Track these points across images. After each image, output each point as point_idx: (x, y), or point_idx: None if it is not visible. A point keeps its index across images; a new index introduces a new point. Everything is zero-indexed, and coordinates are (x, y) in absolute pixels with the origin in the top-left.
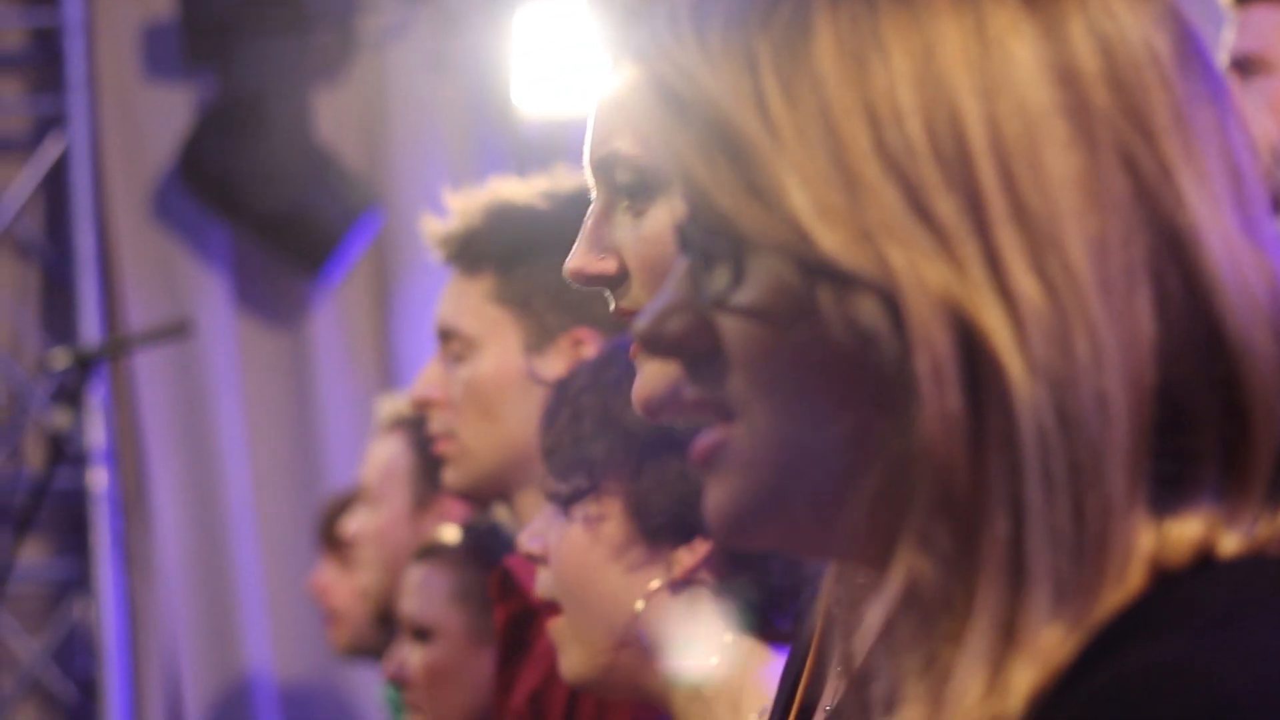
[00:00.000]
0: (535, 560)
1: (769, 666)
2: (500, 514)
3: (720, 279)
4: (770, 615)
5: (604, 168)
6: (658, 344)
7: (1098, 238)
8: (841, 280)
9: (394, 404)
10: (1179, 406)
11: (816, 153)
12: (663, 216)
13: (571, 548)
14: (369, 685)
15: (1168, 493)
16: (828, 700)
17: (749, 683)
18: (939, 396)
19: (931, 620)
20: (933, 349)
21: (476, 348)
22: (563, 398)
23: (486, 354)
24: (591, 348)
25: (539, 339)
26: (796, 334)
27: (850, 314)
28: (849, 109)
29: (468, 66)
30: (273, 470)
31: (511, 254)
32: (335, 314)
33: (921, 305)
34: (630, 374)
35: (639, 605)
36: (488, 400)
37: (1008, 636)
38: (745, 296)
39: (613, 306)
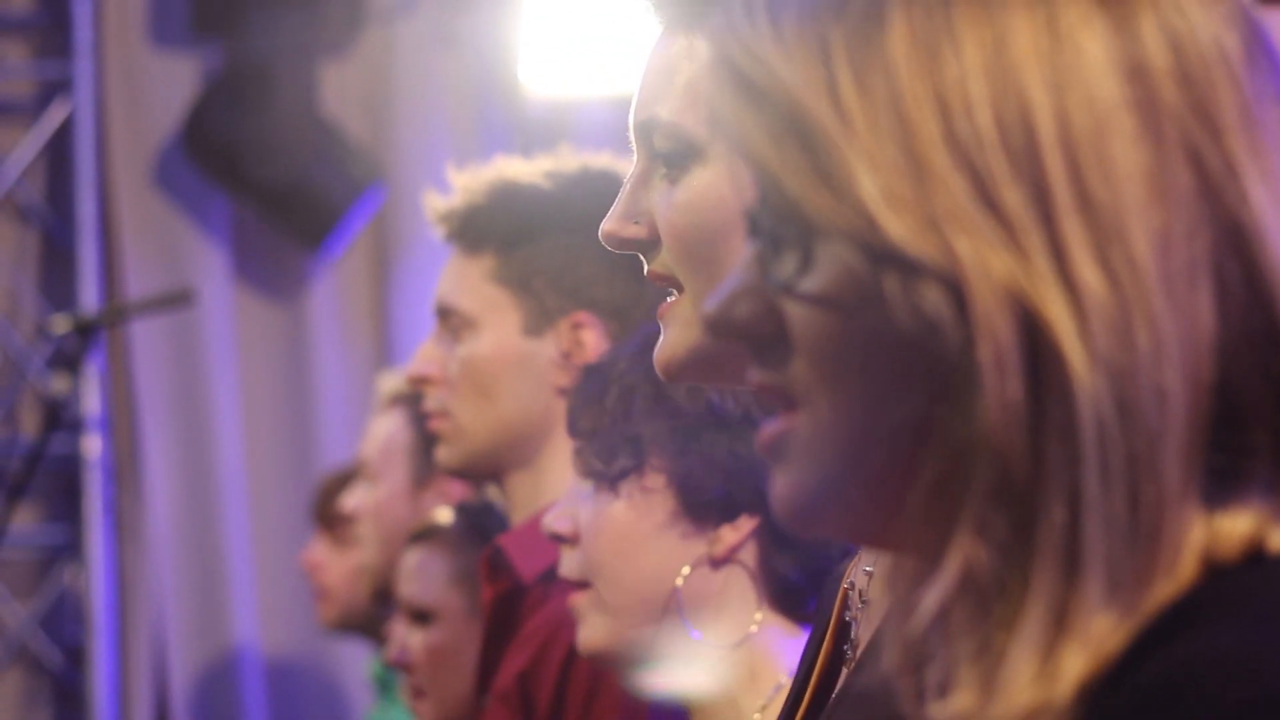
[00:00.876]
0: (561, 540)
1: (793, 646)
2: (494, 493)
3: (788, 264)
4: (804, 596)
5: (644, 132)
6: (725, 328)
7: (1162, 232)
8: (907, 268)
9: (394, 380)
10: (1234, 401)
11: (886, 141)
12: (696, 185)
13: (613, 524)
14: (355, 661)
15: (1220, 486)
16: (843, 683)
17: (770, 661)
18: (1001, 385)
19: (986, 606)
20: (996, 337)
21: (475, 327)
22: (608, 377)
23: (484, 333)
24: (591, 332)
25: (538, 321)
26: (862, 321)
27: (915, 301)
28: (920, 99)
29: (475, 43)
30: (266, 442)
31: (514, 234)
32: (334, 288)
33: (986, 294)
34: None
35: (680, 580)
36: (484, 380)
37: (1060, 623)
38: (812, 283)
39: (646, 270)
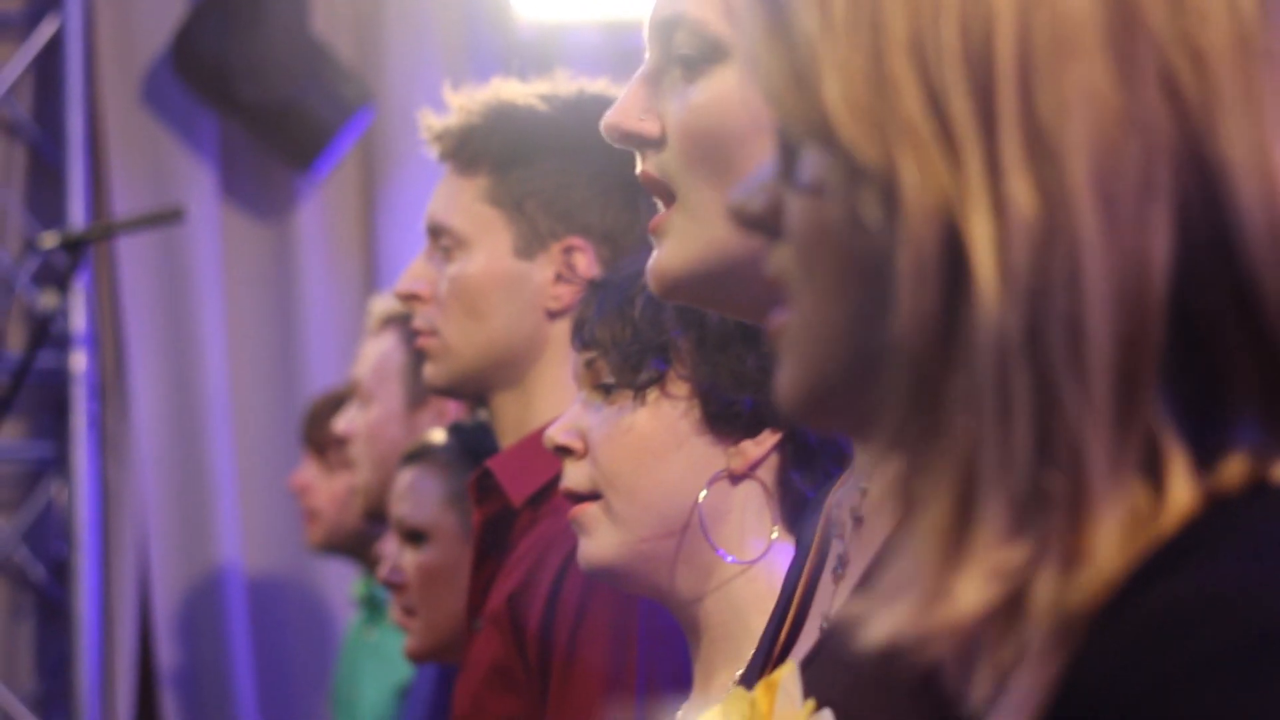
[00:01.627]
0: (565, 453)
1: None
2: (486, 413)
3: (785, 161)
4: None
5: (665, 28)
6: (743, 218)
7: (1110, 156)
8: (855, 172)
9: (386, 302)
10: (1205, 338)
11: (858, 46)
12: (715, 87)
13: (634, 434)
14: (338, 580)
15: (1206, 421)
16: (824, 604)
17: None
18: (917, 296)
19: (910, 521)
20: (918, 248)
21: (466, 246)
22: (631, 290)
23: (475, 253)
24: (583, 257)
25: (529, 243)
26: (829, 220)
27: (856, 205)
28: (895, 4)
29: None
30: (251, 361)
31: (508, 155)
32: (321, 208)
33: (916, 204)
34: None
35: (701, 495)
36: (473, 299)
37: (956, 549)
38: (799, 179)
39: (639, 168)
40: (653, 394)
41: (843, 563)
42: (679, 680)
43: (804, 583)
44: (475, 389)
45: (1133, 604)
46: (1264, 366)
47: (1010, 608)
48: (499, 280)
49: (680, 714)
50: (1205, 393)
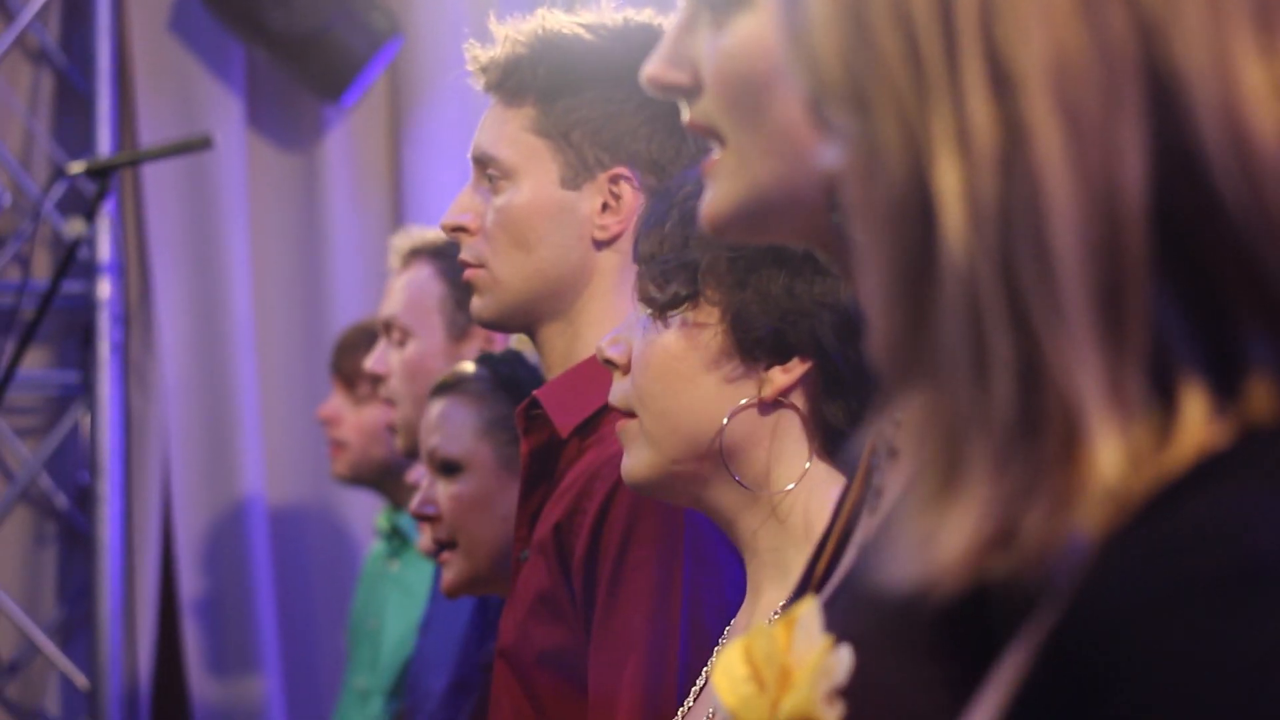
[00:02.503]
0: (613, 367)
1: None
2: (520, 343)
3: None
4: (852, 446)
5: None
6: None
7: (1072, 76)
8: (840, 121)
9: (408, 237)
10: (1196, 255)
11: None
12: (742, 31)
13: (664, 354)
14: (360, 512)
15: (1222, 345)
16: (865, 533)
17: (820, 509)
18: (891, 238)
19: (913, 457)
20: (890, 192)
21: (512, 177)
22: (670, 202)
23: (522, 184)
24: (629, 186)
25: (576, 173)
26: (855, 170)
27: (858, 154)
28: None
29: None
30: (277, 291)
31: (554, 85)
32: (348, 138)
33: (889, 148)
34: None
35: (726, 419)
36: (521, 230)
37: (945, 488)
38: (825, 127)
39: (685, 117)
40: (681, 315)
41: (877, 495)
42: (724, 611)
43: (846, 514)
44: (524, 321)
45: (1147, 529)
46: (1255, 284)
47: (1004, 544)
48: (546, 210)
49: (728, 632)
50: (1212, 315)
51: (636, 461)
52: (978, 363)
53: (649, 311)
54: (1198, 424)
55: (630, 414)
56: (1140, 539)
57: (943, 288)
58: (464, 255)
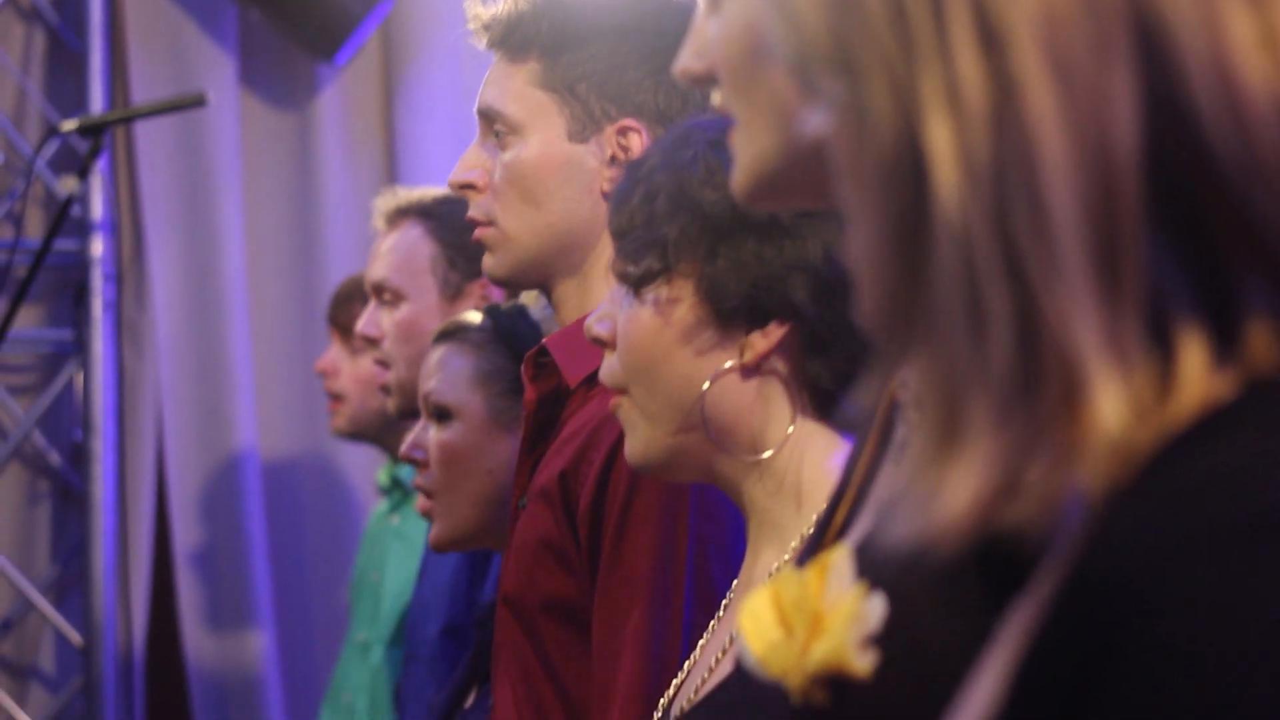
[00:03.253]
0: (602, 344)
1: (837, 454)
2: (527, 298)
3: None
4: (841, 404)
5: None
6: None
7: (1062, 30)
8: (829, 96)
9: (393, 198)
10: (1191, 207)
11: None
12: (731, 11)
13: (642, 330)
14: (353, 466)
15: (1221, 295)
16: (884, 491)
17: (817, 470)
18: (882, 202)
19: (914, 415)
20: (880, 156)
21: (519, 132)
22: (636, 177)
23: (529, 139)
24: (637, 138)
25: (583, 126)
26: (842, 136)
27: (845, 123)
28: None
29: None
30: (269, 249)
31: (558, 39)
32: (341, 96)
33: (879, 114)
34: (705, 155)
35: (705, 386)
36: (529, 185)
37: (945, 445)
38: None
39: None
40: (655, 289)
41: (903, 447)
42: (729, 561)
43: (864, 465)
44: (536, 278)
45: (1153, 482)
46: (1249, 233)
47: (1007, 499)
48: (554, 165)
49: (729, 595)
50: (1207, 265)
51: (636, 440)
52: (974, 319)
53: (626, 287)
54: (1199, 374)
55: (622, 391)
56: (1153, 490)
57: (937, 246)
58: (473, 213)
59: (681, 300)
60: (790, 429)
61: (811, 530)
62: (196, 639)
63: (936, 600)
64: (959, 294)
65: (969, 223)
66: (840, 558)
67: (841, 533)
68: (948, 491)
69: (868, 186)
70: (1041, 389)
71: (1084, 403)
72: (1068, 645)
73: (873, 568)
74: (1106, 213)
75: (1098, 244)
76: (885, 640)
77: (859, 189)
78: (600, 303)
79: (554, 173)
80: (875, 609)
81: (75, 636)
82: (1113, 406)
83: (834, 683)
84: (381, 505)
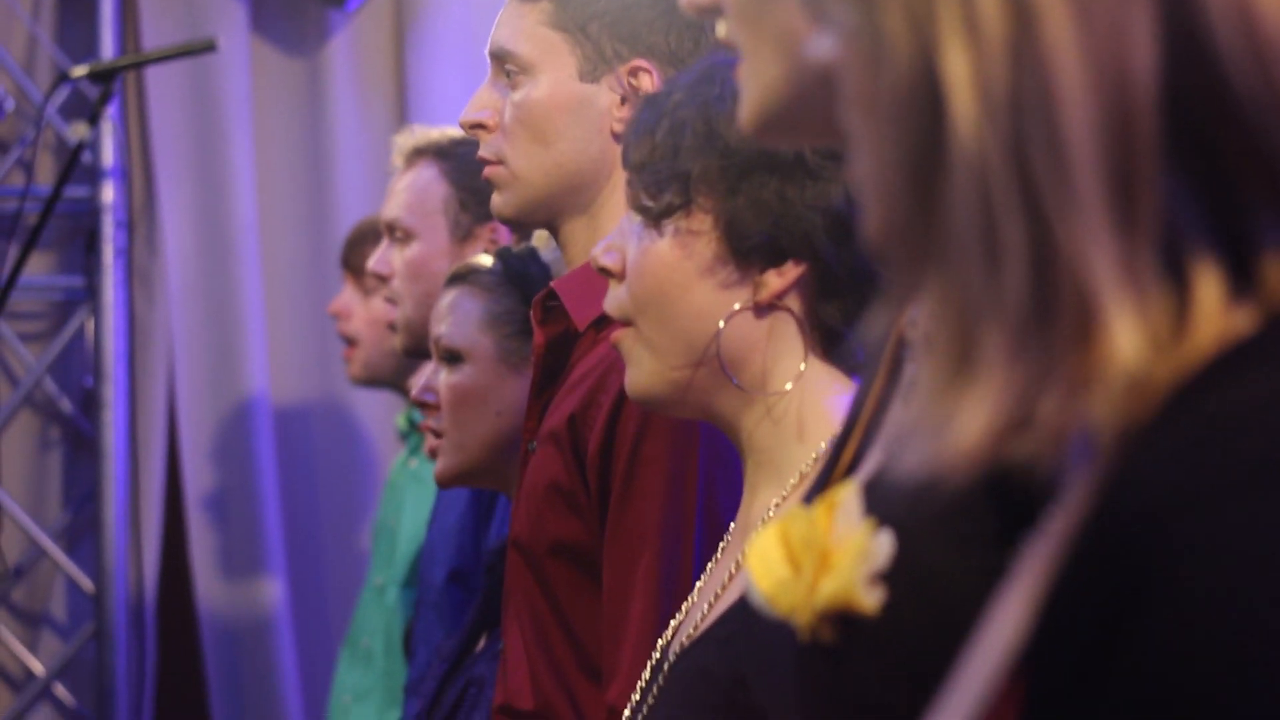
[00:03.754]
0: (609, 275)
1: (842, 395)
2: (538, 240)
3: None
4: (851, 345)
5: None
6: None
7: None
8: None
9: (411, 137)
10: (1209, 140)
11: None
12: None
13: (659, 262)
14: (364, 412)
15: (1236, 228)
16: (892, 428)
17: (820, 409)
18: (898, 133)
19: (923, 346)
20: (896, 88)
21: (530, 72)
22: (660, 110)
23: (540, 78)
24: (648, 78)
25: (594, 66)
26: (854, 68)
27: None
28: None
29: None
30: (281, 194)
31: None
32: (352, 41)
33: (895, 46)
34: (729, 91)
35: (721, 323)
36: (540, 125)
37: (957, 377)
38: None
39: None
40: (674, 222)
41: (911, 385)
42: (738, 503)
43: (872, 403)
44: (545, 217)
45: (1176, 417)
46: (1265, 166)
47: (1020, 431)
48: (565, 104)
49: (727, 536)
50: (1223, 199)
51: (639, 373)
52: (989, 249)
53: (642, 219)
54: (1215, 309)
55: (627, 322)
56: (1176, 427)
57: (952, 176)
58: (483, 152)
59: (700, 234)
60: (801, 368)
61: (815, 467)
62: (208, 585)
63: (944, 536)
64: (974, 224)
65: (985, 153)
66: (848, 495)
67: (849, 470)
68: (960, 422)
69: (880, 115)
70: (1056, 321)
71: (1098, 335)
72: (1092, 583)
73: (881, 504)
74: (1123, 145)
75: (1114, 176)
76: (893, 577)
77: (869, 117)
78: None
79: (564, 112)
80: (883, 546)
81: (87, 583)
82: (1128, 339)
83: (842, 620)
84: (402, 454)
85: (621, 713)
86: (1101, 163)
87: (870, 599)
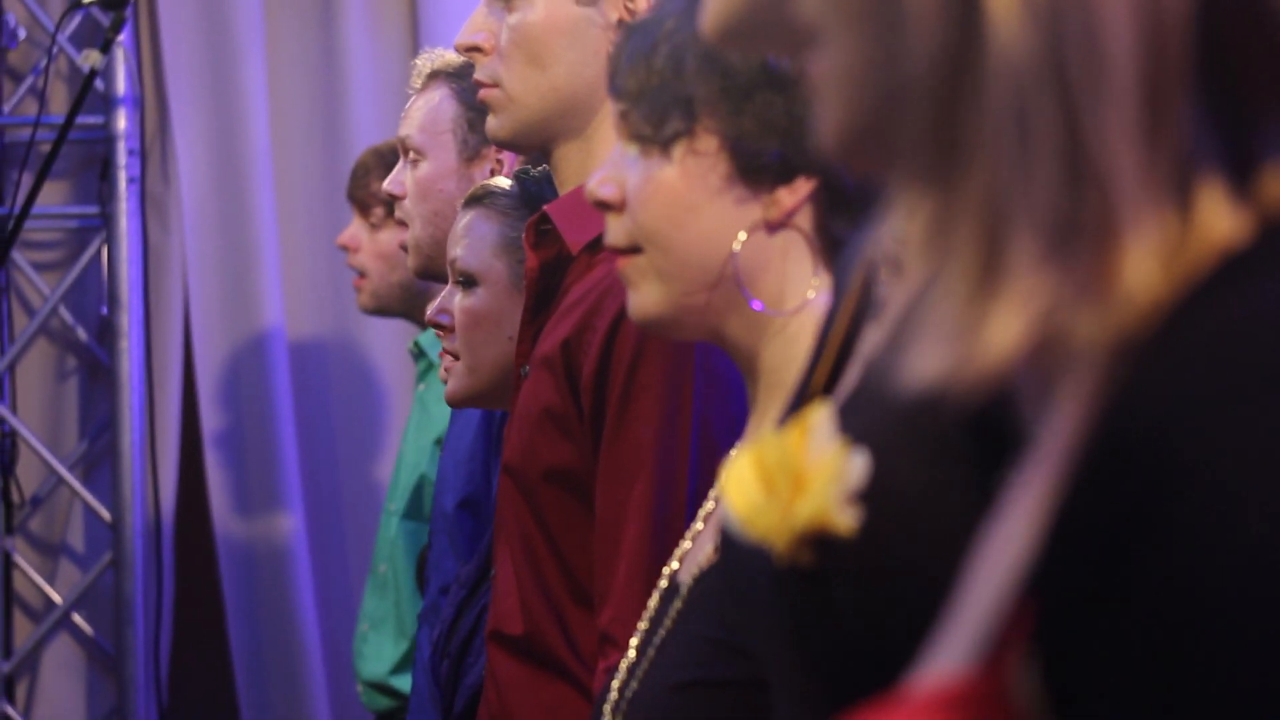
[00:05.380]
0: (606, 208)
1: None
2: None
3: None
4: None
5: None
6: None
7: None
8: None
9: (431, 59)
10: (1230, 56)
11: None
12: None
13: (665, 189)
14: (379, 341)
15: (1239, 141)
16: (867, 348)
17: None
18: (928, 27)
19: (933, 260)
20: None
21: None
22: (653, 37)
23: (537, 1)
24: (645, 1)
25: None
26: None
27: None
28: None
29: None
30: (294, 121)
31: None
32: None
33: None
34: None
35: (736, 245)
36: (535, 48)
37: (985, 286)
38: None
39: None
40: (680, 148)
41: (880, 307)
42: (733, 428)
43: (844, 325)
44: (539, 140)
45: (1179, 330)
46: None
47: (1046, 342)
48: (561, 27)
49: (732, 457)
50: (1232, 110)
51: (645, 298)
52: (1022, 154)
53: (640, 148)
54: (1216, 223)
55: (632, 251)
56: (1179, 340)
57: (986, 75)
58: (479, 75)
59: (707, 156)
60: (816, 285)
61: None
62: (224, 515)
63: (918, 454)
64: (1009, 124)
65: (1025, 55)
66: (821, 416)
67: (823, 392)
68: (992, 328)
69: (889, 14)
70: (1082, 228)
71: (1119, 244)
72: (1102, 498)
73: (855, 425)
74: (1157, 53)
75: (1146, 84)
76: (869, 497)
77: (864, 18)
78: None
79: (560, 35)
80: (857, 466)
81: (104, 513)
82: (1141, 256)
83: (818, 542)
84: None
85: (613, 637)
86: (1136, 70)
87: (846, 519)
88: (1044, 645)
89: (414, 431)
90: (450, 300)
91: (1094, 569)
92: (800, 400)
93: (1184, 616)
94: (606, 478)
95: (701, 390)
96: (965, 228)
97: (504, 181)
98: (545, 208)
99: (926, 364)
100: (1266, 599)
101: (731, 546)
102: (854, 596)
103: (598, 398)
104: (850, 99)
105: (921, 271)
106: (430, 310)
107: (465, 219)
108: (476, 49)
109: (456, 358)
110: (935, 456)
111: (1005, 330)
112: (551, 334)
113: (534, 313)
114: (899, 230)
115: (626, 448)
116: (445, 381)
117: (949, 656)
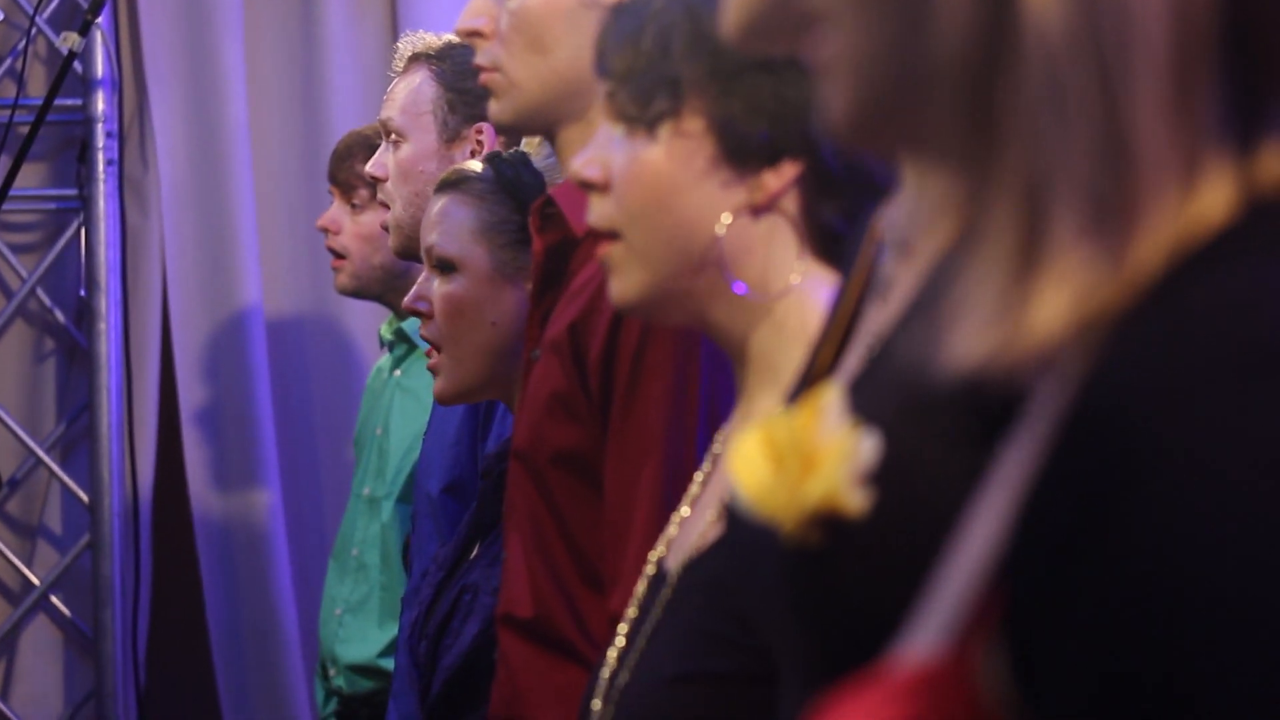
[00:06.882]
0: (590, 188)
1: None
2: (530, 146)
3: None
4: (847, 245)
5: None
6: None
7: None
8: None
9: (412, 42)
10: (1250, 33)
11: None
12: None
13: (650, 170)
14: (357, 323)
15: (1246, 122)
16: (873, 327)
17: (818, 311)
18: (960, 1)
19: (968, 243)
20: None
21: None
22: (641, 17)
23: None
24: None
25: None
26: None
27: None
28: None
29: None
30: (273, 103)
31: None
32: None
33: None
34: None
35: (720, 229)
36: (536, 31)
37: (1026, 265)
38: None
39: None
40: (666, 128)
41: (886, 287)
42: None
43: (850, 304)
44: (541, 124)
45: (1157, 308)
46: None
47: (1087, 320)
48: (560, 11)
49: (721, 441)
50: (1243, 88)
51: (627, 284)
52: (1060, 128)
53: (626, 129)
54: (1215, 195)
55: (613, 235)
56: (1155, 320)
57: (1017, 56)
58: (479, 59)
59: (693, 138)
60: (801, 269)
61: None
62: (203, 496)
63: (930, 436)
64: (1043, 100)
65: (1061, 31)
66: (831, 396)
67: (830, 372)
68: (1037, 307)
69: None
70: (1117, 205)
71: (1137, 227)
72: (1071, 481)
73: (865, 405)
74: (1187, 34)
75: (1178, 66)
76: (879, 478)
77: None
78: None
79: (560, 19)
80: (868, 446)
81: (82, 494)
82: (1154, 233)
83: (828, 523)
84: (383, 359)
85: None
86: (1167, 42)
87: (856, 500)
88: (1013, 629)
89: (401, 417)
90: (427, 287)
91: (1061, 552)
92: (806, 380)
93: (1150, 601)
94: (615, 461)
95: (709, 372)
96: (1002, 206)
97: (476, 165)
98: (550, 191)
99: (970, 346)
100: (1233, 582)
101: (738, 525)
102: (862, 577)
103: (606, 380)
104: (866, 80)
105: (933, 250)
106: (408, 298)
107: (439, 204)
108: (477, 33)
109: (437, 346)
110: (947, 438)
111: (1051, 309)
112: (559, 318)
113: (540, 297)
114: (907, 209)
115: (635, 431)
116: (431, 371)
117: (920, 639)
